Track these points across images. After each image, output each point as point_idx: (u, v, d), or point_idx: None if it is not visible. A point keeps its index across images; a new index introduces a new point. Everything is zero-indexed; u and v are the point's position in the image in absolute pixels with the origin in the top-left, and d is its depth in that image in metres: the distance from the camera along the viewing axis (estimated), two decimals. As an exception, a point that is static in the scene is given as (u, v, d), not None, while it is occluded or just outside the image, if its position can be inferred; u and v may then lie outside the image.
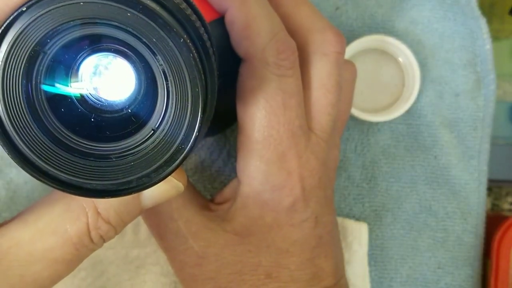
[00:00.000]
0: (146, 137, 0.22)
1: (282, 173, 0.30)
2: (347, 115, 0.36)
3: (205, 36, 0.22)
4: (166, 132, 0.21)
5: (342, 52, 0.32)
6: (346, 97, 0.34)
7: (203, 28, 0.22)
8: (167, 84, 0.21)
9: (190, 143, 0.21)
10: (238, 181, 0.31)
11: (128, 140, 0.22)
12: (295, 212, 0.31)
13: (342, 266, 0.35)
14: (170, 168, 0.22)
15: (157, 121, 0.22)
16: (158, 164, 0.22)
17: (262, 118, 0.29)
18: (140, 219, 0.40)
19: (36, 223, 0.25)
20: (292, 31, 0.30)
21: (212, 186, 0.43)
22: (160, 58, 0.21)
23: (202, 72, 0.21)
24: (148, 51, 0.21)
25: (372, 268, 0.44)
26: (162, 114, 0.22)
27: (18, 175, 0.41)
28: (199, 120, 0.21)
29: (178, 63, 0.21)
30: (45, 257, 0.24)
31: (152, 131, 0.22)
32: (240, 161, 0.31)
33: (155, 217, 0.33)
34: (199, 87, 0.21)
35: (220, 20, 0.29)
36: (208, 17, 0.29)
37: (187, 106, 0.21)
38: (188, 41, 0.21)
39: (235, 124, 0.39)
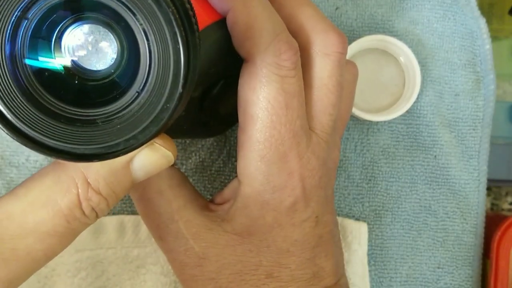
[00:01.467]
0: (131, 100, 0.22)
1: (283, 174, 0.30)
2: (348, 115, 0.36)
3: (186, 1, 0.22)
4: (150, 93, 0.21)
5: (344, 53, 0.32)
6: (347, 97, 0.34)
7: None
8: (148, 44, 0.21)
9: (175, 101, 0.21)
10: (238, 182, 0.31)
11: (114, 104, 0.22)
12: (296, 212, 0.31)
13: (342, 265, 0.35)
14: (157, 128, 0.22)
15: (141, 83, 0.22)
16: (144, 125, 0.22)
17: (264, 118, 0.29)
18: (140, 219, 0.40)
19: (26, 196, 0.25)
20: (294, 32, 0.30)
21: (212, 186, 0.43)
22: (140, 18, 0.21)
23: (182, 29, 0.21)
24: (128, 12, 0.21)
25: (371, 268, 0.44)
26: (145, 76, 0.22)
27: (18, 175, 0.41)
28: (182, 77, 0.21)
29: (158, 20, 0.21)
30: (37, 229, 0.24)
31: (137, 93, 0.22)
32: (241, 161, 0.31)
33: (155, 218, 0.33)
34: (180, 44, 0.21)
35: (222, 22, 0.29)
36: (209, 18, 0.29)
37: (169, 63, 0.21)
38: None
39: (236, 125, 0.39)
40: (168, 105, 0.21)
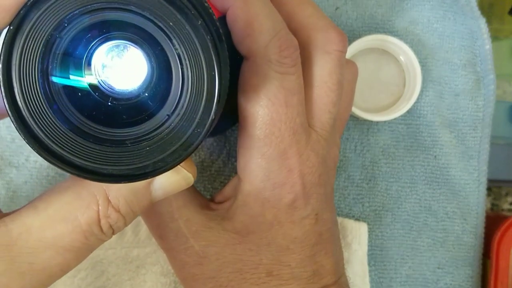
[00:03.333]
0: (161, 123, 0.22)
1: (283, 170, 0.30)
2: (347, 114, 0.36)
3: (218, 25, 0.22)
4: (181, 117, 0.22)
5: (344, 51, 0.32)
6: (347, 96, 0.34)
7: (216, 19, 0.23)
8: (182, 69, 0.21)
9: (206, 126, 0.21)
10: (238, 179, 0.31)
11: (143, 126, 0.22)
12: (296, 209, 0.31)
13: (342, 264, 0.35)
14: (186, 152, 0.22)
15: (172, 106, 0.22)
16: (173, 148, 0.22)
17: (264, 115, 0.29)
18: (140, 219, 0.40)
19: (46, 210, 0.25)
20: (295, 30, 0.30)
21: (212, 186, 0.43)
22: (176, 42, 0.21)
23: (218, 57, 0.21)
24: (164, 35, 0.21)
25: (371, 268, 0.44)
26: (177, 99, 0.22)
27: (18, 175, 0.41)
28: (215, 103, 0.21)
29: (195, 47, 0.21)
30: (55, 244, 0.24)
31: (167, 116, 0.22)
32: (241, 158, 0.31)
33: (155, 217, 0.33)
34: (216, 70, 0.21)
35: (222, 19, 0.29)
36: None
37: (203, 89, 0.21)
38: (205, 24, 0.21)
39: (236, 124, 0.39)
40: (198, 130, 0.22)
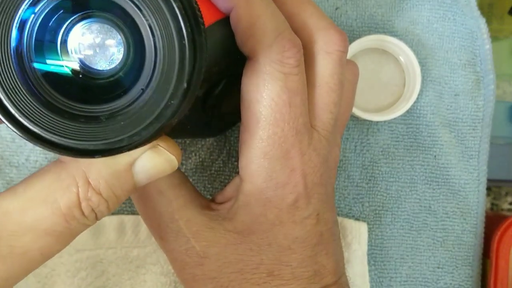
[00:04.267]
0: (136, 97, 0.22)
1: (286, 170, 0.30)
2: (348, 114, 0.36)
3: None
4: (155, 90, 0.21)
5: (345, 51, 0.32)
6: (347, 96, 0.34)
7: None
8: (154, 40, 0.21)
9: (179, 97, 0.21)
10: (240, 179, 0.31)
11: (118, 101, 0.22)
12: (297, 209, 0.31)
13: (342, 264, 0.35)
14: (160, 124, 0.21)
15: (146, 80, 0.22)
16: (148, 121, 0.21)
17: (268, 116, 0.29)
18: (140, 219, 0.40)
19: (25, 193, 0.24)
20: (296, 30, 0.30)
21: (212, 186, 0.43)
22: (146, 13, 0.21)
23: (188, 24, 0.21)
24: (134, 7, 0.21)
25: (371, 268, 0.44)
26: (151, 73, 0.21)
27: (18, 175, 0.41)
28: (187, 73, 0.21)
29: (164, 16, 0.21)
30: (35, 227, 0.24)
31: (142, 90, 0.22)
32: (243, 158, 0.31)
33: (155, 218, 0.33)
34: (186, 39, 0.21)
35: (225, 21, 0.29)
36: (212, 17, 0.29)
37: (174, 59, 0.21)
38: None
39: (236, 125, 0.39)
40: (172, 101, 0.21)
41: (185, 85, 0.21)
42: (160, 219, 0.32)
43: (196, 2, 0.22)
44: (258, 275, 0.31)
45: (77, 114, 0.22)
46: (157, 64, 0.21)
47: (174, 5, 0.21)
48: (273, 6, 0.29)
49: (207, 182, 0.43)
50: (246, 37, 0.28)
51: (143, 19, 0.21)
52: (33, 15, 0.21)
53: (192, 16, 0.21)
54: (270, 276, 0.31)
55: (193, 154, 0.42)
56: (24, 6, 0.21)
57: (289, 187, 0.30)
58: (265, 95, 0.29)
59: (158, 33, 0.21)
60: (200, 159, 0.42)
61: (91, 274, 0.40)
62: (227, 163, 0.43)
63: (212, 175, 0.43)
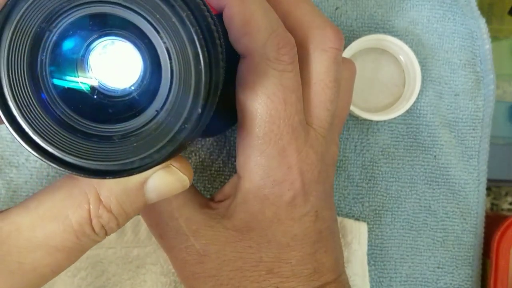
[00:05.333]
0: (150, 119, 0.22)
1: (283, 168, 0.30)
2: (345, 113, 0.36)
3: (210, 20, 0.22)
4: (169, 113, 0.21)
5: (341, 49, 0.32)
6: (345, 95, 0.34)
7: (209, 15, 0.22)
8: (170, 63, 0.21)
9: (193, 122, 0.21)
10: (238, 177, 0.32)
11: (132, 122, 0.22)
12: (295, 206, 0.31)
13: (342, 262, 0.35)
14: (173, 148, 0.21)
15: (161, 102, 0.22)
16: (161, 144, 0.21)
17: (263, 113, 0.29)
18: (140, 218, 0.40)
19: (37, 209, 0.24)
20: (292, 28, 0.31)
21: (212, 186, 0.43)
22: (163, 35, 0.21)
23: (205, 49, 0.21)
24: (152, 29, 0.21)
25: (371, 268, 0.44)
26: (166, 95, 0.21)
27: (18, 175, 0.41)
28: (202, 97, 0.21)
29: (181, 40, 0.21)
30: (45, 244, 0.24)
31: (156, 112, 0.22)
32: (240, 156, 0.31)
33: (155, 216, 0.33)
34: (202, 64, 0.21)
35: (218, 18, 0.29)
36: None
37: (190, 84, 0.21)
38: (191, 17, 0.21)
39: (235, 124, 0.39)
40: (186, 125, 0.21)
41: (199, 110, 0.21)
42: (159, 218, 0.33)
43: (215, 23, 0.22)
44: (257, 272, 0.31)
45: (90, 133, 0.22)
46: (173, 87, 0.21)
47: (192, 30, 0.20)
48: (266, 4, 0.29)
49: (207, 182, 0.43)
50: (240, 35, 0.28)
51: (160, 41, 0.21)
52: (49, 33, 0.21)
53: (210, 41, 0.21)
54: (269, 274, 0.31)
55: (193, 154, 0.42)
56: (42, 25, 0.21)
57: (286, 184, 0.30)
58: (260, 92, 0.29)
59: (175, 56, 0.21)
60: (200, 159, 0.42)
61: (91, 274, 0.40)
62: (227, 163, 0.43)
63: (212, 175, 0.43)
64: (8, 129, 0.21)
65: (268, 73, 0.28)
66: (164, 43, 0.21)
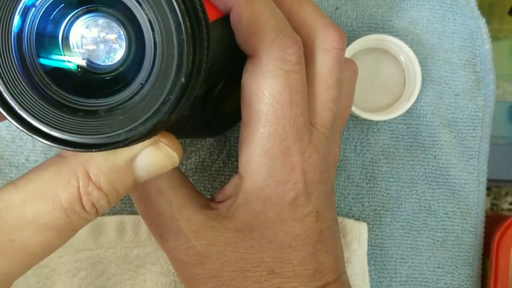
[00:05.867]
0: (135, 92, 0.22)
1: (286, 168, 0.30)
2: (347, 113, 0.36)
3: None
4: (153, 84, 0.21)
5: (343, 49, 0.32)
6: (346, 95, 0.34)
7: None
8: (153, 35, 0.21)
9: (177, 93, 0.21)
10: (240, 177, 0.32)
11: (117, 96, 0.22)
12: (298, 206, 0.31)
13: (342, 262, 0.35)
14: (157, 119, 0.21)
15: (146, 75, 0.22)
16: (146, 116, 0.21)
17: (269, 113, 0.29)
18: (140, 218, 0.40)
19: (26, 187, 0.24)
20: (294, 28, 0.31)
21: (212, 186, 0.43)
22: (145, 7, 0.21)
23: (187, 19, 0.21)
24: (134, 1, 0.21)
25: (371, 268, 0.44)
26: (150, 68, 0.21)
27: (18, 175, 0.41)
28: (185, 67, 0.21)
29: (163, 10, 0.20)
30: (35, 222, 0.24)
31: (141, 85, 0.22)
32: (243, 156, 0.31)
33: (155, 217, 0.33)
34: (184, 34, 0.21)
35: (224, 19, 0.29)
36: (211, 16, 0.29)
37: (173, 54, 0.21)
38: None
39: (236, 125, 0.39)
40: (170, 96, 0.21)
41: (183, 80, 0.21)
42: (160, 218, 0.32)
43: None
44: (259, 273, 0.31)
45: (76, 108, 0.22)
46: (156, 59, 0.21)
47: (173, 0, 0.20)
48: (272, 4, 0.29)
49: (207, 182, 0.43)
50: (247, 35, 0.28)
51: (143, 13, 0.21)
52: (34, 8, 0.21)
53: (192, 10, 0.21)
54: (271, 274, 0.31)
55: (193, 154, 0.42)
56: (24, 0, 0.21)
57: (289, 185, 0.30)
58: (267, 92, 0.29)
59: (157, 27, 0.21)
60: (200, 159, 0.42)
61: (91, 274, 0.40)
62: (227, 163, 0.43)
63: (212, 175, 0.43)
64: None
65: (275, 73, 0.28)
66: (147, 15, 0.21)
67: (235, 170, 0.43)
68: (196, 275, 0.32)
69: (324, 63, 0.31)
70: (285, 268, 0.31)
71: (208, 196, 0.42)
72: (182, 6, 0.21)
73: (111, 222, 0.40)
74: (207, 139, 0.42)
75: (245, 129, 0.30)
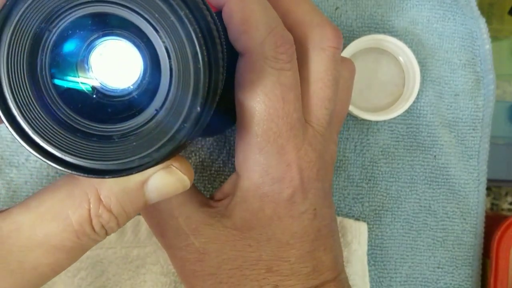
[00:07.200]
0: (149, 118, 0.22)
1: (281, 165, 0.30)
2: (344, 112, 0.36)
3: (210, 19, 0.22)
4: (168, 112, 0.21)
5: (340, 48, 0.32)
6: (343, 94, 0.34)
7: (209, 14, 0.22)
8: (169, 62, 0.21)
9: (192, 121, 0.21)
10: (237, 176, 0.32)
11: (131, 121, 0.22)
12: (294, 203, 0.31)
13: (341, 260, 0.35)
14: (172, 147, 0.21)
15: (161, 101, 0.22)
16: (160, 143, 0.21)
17: (262, 111, 0.29)
18: (140, 218, 0.40)
19: (37, 208, 0.24)
20: (291, 26, 0.31)
21: (212, 186, 0.43)
22: (162, 35, 0.21)
23: (204, 48, 0.21)
24: (151, 28, 0.21)
25: (371, 268, 0.44)
26: (165, 95, 0.21)
27: (18, 175, 0.41)
28: (201, 96, 0.21)
29: (180, 38, 0.21)
30: (45, 243, 0.24)
31: (156, 112, 0.22)
32: (239, 155, 0.31)
33: (156, 215, 0.33)
34: (201, 63, 0.21)
35: (217, 14, 0.29)
36: None
37: (189, 83, 0.21)
38: (190, 15, 0.20)
39: (235, 124, 0.39)
40: (185, 124, 0.21)
41: (198, 109, 0.21)
42: (159, 216, 0.33)
43: (215, 23, 0.22)
44: (257, 271, 0.31)
45: (90, 133, 0.22)
46: (172, 86, 0.21)
47: (190, 28, 0.20)
48: (265, 2, 0.29)
49: (207, 182, 0.43)
50: (239, 33, 0.28)
51: (159, 40, 0.21)
52: (48, 33, 0.21)
53: (209, 38, 0.21)
54: (269, 272, 0.31)
55: (193, 154, 0.42)
56: (41, 25, 0.21)
57: (285, 182, 0.30)
58: (259, 90, 0.29)
59: (174, 55, 0.21)
60: (200, 159, 0.42)
61: (91, 274, 0.40)
62: (227, 163, 0.43)
63: (212, 175, 0.43)
64: (8, 129, 0.21)
65: (266, 71, 0.29)
66: (163, 42, 0.21)
67: (234, 170, 0.43)
68: (195, 272, 0.32)
69: (319, 62, 0.31)
70: (282, 266, 0.31)
71: (208, 196, 0.42)
72: (200, 35, 0.21)
73: (111, 222, 0.40)
74: (207, 139, 0.42)
75: (240, 127, 0.30)
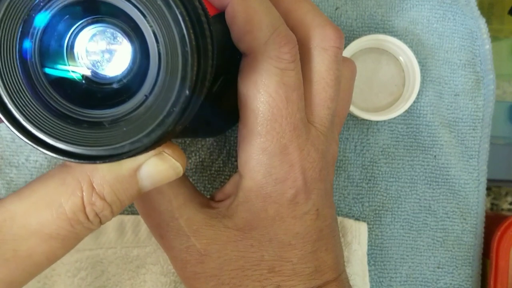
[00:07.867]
0: (139, 103, 0.22)
1: (285, 166, 0.30)
2: (345, 112, 0.36)
3: (197, 4, 0.22)
4: (158, 97, 0.21)
5: (341, 48, 0.32)
6: (345, 94, 0.34)
7: (198, 3, 0.22)
8: (158, 47, 0.21)
9: (181, 105, 0.21)
10: (239, 176, 0.32)
11: (121, 107, 0.22)
12: (297, 204, 0.31)
13: (342, 261, 0.35)
14: (162, 131, 0.21)
15: (150, 87, 0.22)
16: (150, 128, 0.21)
17: (265, 111, 0.29)
18: (140, 218, 0.40)
19: (30, 197, 0.24)
20: (292, 27, 0.31)
21: (212, 186, 0.43)
22: (149, 19, 0.21)
23: (192, 31, 0.21)
24: (138, 13, 0.21)
25: (371, 268, 0.44)
26: (154, 79, 0.21)
27: (18, 175, 0.41)
28: (189, 79, 0.21)
29: (167, 22, 0.20)
30: (39, 231, 0.24)
31: (145, 97, 0.22)
32: (242, 155, 0.31)
33: (155, 217, 0.33)
34: (188, 46, 0.21)
35: (219, 16, 0.29)
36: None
37: (177, 66, 0.21)
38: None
39: (236, 124, 0.39)
40: (174, 108, 0.21)
41: (187, 92, 0.21)
42: (160, 218, 0.33)
43: (203, 7, 0.22)
44: (259, 271, 0.31)
45: (81, 119, 0.22)
46: (161, 71, 0.21)
47: (177, 12, 0.20)
48: (268, 2, 0.29)
49: (207, 182, 0.43)
50: (242, 33, 0.28)
51: (147, 25, 0.21)
52: (39, 20, 0.21)
53: (197, 22, 0.21)
54: (271, 273, 0.31)
55: (193, 154, 0.42)
56: (30, 12, 0.21)
57: (288, 182, 0.30)
58: (262, 91, 0.29)
59: (162, 39, 0.21)
60: (200, 159, 0.42)
61: (91, 274, 0.40)
62: (227, 163, 0.43)
63: (212, 175, 0.43)
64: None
65: (270, 71, 0.29)
66: (151, 26, 0.21)
67: (235, 170, 0.43)
68: (196, 274, 0.32)
69: (321, 62, 0.31)
70: (285, 267, 0.31)
71: (208, 196, 0.42)
72: (187, 18, 0.21)
73: (111, 222, 0.40)
74: (207, 139, 0.42)
75: (242, 127, 0.30)
